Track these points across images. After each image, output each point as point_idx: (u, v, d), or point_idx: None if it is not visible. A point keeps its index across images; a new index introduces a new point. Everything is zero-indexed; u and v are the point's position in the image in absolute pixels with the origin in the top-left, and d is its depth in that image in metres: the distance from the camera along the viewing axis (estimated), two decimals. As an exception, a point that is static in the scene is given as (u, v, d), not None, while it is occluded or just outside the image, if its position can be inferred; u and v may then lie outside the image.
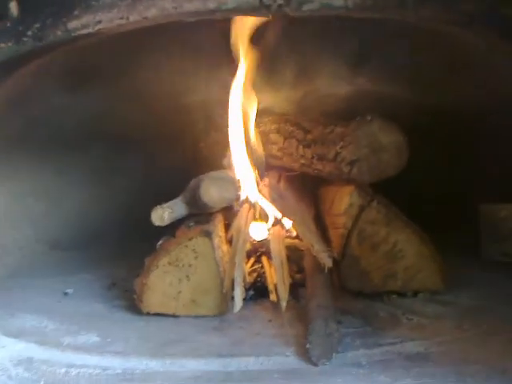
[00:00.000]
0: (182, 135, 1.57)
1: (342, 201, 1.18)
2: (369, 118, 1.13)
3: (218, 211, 1.26)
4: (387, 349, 0.88)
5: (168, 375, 0.83)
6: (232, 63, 1.26)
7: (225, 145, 1.36)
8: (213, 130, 1.48)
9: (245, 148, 1.32)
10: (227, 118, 1.34)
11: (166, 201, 1.22)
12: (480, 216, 1.40)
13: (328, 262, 1.06)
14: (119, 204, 1.89)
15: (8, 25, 0.72)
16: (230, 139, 1.33)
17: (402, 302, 1.13)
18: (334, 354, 0.85)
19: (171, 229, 1.24)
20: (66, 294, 1.39)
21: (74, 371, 0.87)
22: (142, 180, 1.86)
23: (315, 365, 0.83)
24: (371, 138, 1.13)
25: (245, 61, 1.27)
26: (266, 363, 0.85)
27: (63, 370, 0.88)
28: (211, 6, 0.76)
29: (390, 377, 0.76)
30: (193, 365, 0.86)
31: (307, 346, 0.86)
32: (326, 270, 1.11)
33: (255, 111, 1.34)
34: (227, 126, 1.33)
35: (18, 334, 1.06)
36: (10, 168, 1.44)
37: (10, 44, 0.74)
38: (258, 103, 1.33)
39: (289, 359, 0.87)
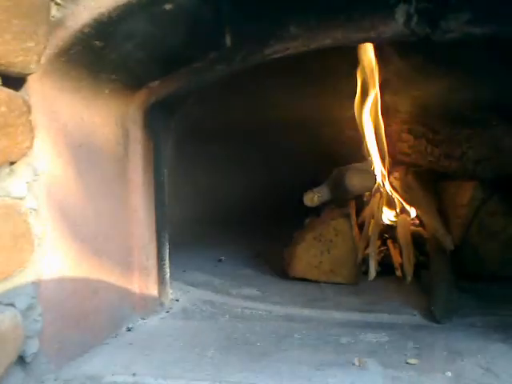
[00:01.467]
0: (320, 132, 1.82)
1: (465, 194, 1.35)
2: (494, 122, 1.29)
3: (351, 198, 1.49)
4: (500, 318, 1.05)
5: (320, 320, 1.07)
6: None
7: (357, 141, 1.58)
8: (347, 129, 1.68)
9: (375, 145, 1.53)
10: (360, 119, 1.55)
11: (300, 187, 1.48)
12: None
13: (450, 246, 1.26)
14: (254, 187, 2.19)
15: (223, 53, 1.00)
16: (364, 137, 1.54)
17: (516, 286, 1.27)
18: (453, 317, 1.05)
19: (295, 212, 1.49)
20: (220, 260, 1.70)
21: (247, 311, 1.15)
22: (280, 168, 2.14)
23: (438, 322, 1.03)
24: (495, 140, 1.29)
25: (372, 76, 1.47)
26: (397, 319, 1.07)
27: (239, 310, 1.16)
28: (373, 35, 0.98)
29: (503, 335, 0.94)
30: (338, 315, 1.10)
31: (432, 308, 1.06)
32: (448, 253, 1.30)
33: (381, 115, 1.54)
34: (360, 127, 1.54)
35: (195, 285, 1.37)
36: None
37: (223, 66, 1.02)
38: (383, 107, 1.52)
39: (415, 318, 1.08)
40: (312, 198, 1.37)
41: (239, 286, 1.35)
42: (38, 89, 0.77)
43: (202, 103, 1.57)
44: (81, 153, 0.89)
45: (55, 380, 0.80)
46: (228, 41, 0.98)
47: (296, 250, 1.35)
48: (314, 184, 1.48)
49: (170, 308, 1.17)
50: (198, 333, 1.02)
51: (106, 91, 0.94)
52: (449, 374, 0.79)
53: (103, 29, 0.77)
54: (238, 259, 1.67)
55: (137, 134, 1.05)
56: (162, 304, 1.15)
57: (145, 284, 1.10)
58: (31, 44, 0.67)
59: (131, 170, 1.04)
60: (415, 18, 0.93)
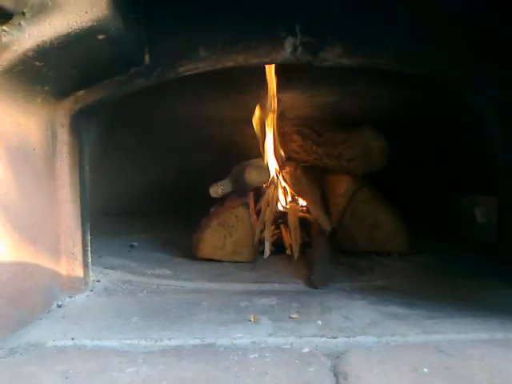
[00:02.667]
0: (226, 132, 2.05)
1: (341, 186, 1.65)
2: (364, 128, 1.59)
3: (250, 190, 1.74)
4: (363, 283, 1.35)
5: (224, 291, 1.30)
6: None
7: (256, 142, 1.84)
8: (247, 131, 1.92)
9: (270, 145, 1.79)
10: (258, 123, 1.80)
11: (202, 181, 1.70)
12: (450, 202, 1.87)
13: (328, 228, 1.55)
14: (163, 183, 2.37)
15: (142, 69, 1.18)
16: (261, 138, 1.79)
17: (379, 259, 1.59)
18: (328, 284, 1.33)
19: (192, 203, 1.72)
20: (132, 246, 1.87)
21: (162, 287, 1.35)
22: (185, 163, 2.33)
23: (316, 288, 1.30)
24: (364, 143, 1.59)
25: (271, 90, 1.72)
26: (285, 287, 1.33)
27: (155, 286, 1.35)
28: (267, 60, 1.21)
29: (362, 295, 1.24)
30: (239, 287, 1.34)
31: (312, 277, 1.34)
32: (327, 234, 1.59)
33: (276, 121, 1.80)
34: (258, 129, 1.79)
35: (112, 268, 1.54)
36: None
37: (142, 80, 1.19)
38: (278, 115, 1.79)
39: (299, 285, 1.34)
40: (217, 190, 1.59)
41: (153, 267, 1.54)
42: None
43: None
44: (18, 155, 1.03)
45: (1, 349, 0.95)
46: (147, 59, 1.17)
47: (203, 234, 1.57)
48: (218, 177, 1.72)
49: (94, 287, 1.33)
50: (121, 306, 1.20)
51: (39, 100, 1.08)
52: (319, 322, 1.05)
53: (44, 53, 0.92)
54: (150, 245, 1.86)
55: (64, 137, 1.20)
56: (86, 284, 1.31)
57: (72, 267, 1.25)
58: (-14, 68, 0.82)
59: (59, 168, 1.19)
60: (300, 49, 1.19)
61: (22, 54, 0.91)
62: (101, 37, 0.96)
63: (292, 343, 0.96)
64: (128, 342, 0.97)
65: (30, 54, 0.91)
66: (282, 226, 1.75)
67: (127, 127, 2.02)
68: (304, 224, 1.70)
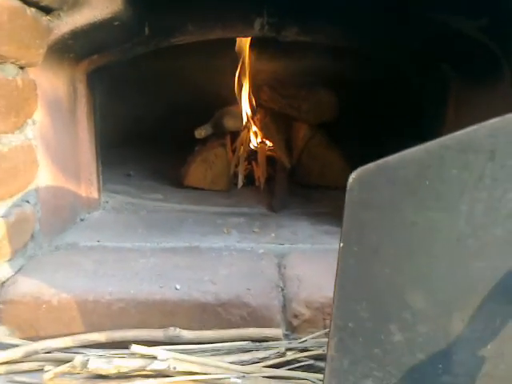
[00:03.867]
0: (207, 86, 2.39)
1: (300, 132, 2.04)
2: (318, 87, 1.96)
3: (227, 132, 2.11)
4: (311, 210, 1.78)
5: (205, 212, 1.71)
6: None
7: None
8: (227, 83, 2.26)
9: (245, 96, 2.15)
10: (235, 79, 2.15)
11: (191, 120, 2.07)
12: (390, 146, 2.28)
13: (288, 165, 1.95)
14: (154, 118, 2.70)
15: (143, 39, 1.51)
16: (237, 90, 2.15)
17: (328, 192, 2.00)
18: (285, 209, 1.75)
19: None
20: (128, 175, 2.26)
21: (158, 207, 1.76)
22: (176, 105, 2.66)
23: (275, 212, 1.73)
24: (318, 98, 1.96)
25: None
26: (251, 210, 1.75)
27: (152, 207, 1.77)
28: (240, 35, 1.56)
29: (308, 217, 1.66)
30: (216, 209, 1.75)
31: (272, 204, 1.76)
32: (288, 170, 2.00)
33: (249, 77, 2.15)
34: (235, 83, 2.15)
35: (116, 192, 1.93)
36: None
37: (143, 47, 1.52)
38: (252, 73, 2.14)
39: (263, 210, 1.76)
40: (200, 133, 1.97)
41: (148, 193, 1.94)
42: (31, 71, 1.25)
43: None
44: (53, 106, 1.38)
45: (49, 246, 1.35)
46: (147, 31, 1.51)
47: (189, 168, 1.96)
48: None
49: (105, 207, 1.73)
50: (128, 220, 1.61)
51: (65, 64, 1.42)
52: (273, 235, 1.48)
53: (75, 35, 1.26)
54: (143, 175, 2.23)
55: (82, 91, 1.54)
56: (99, 204, 1.71)
57: (89, 190, 1.64)
58: (42, 51, 1.16)
59: (79, 115, 1.55)
60: (266, 27, 1.53)
61: (60, 36, 1.25)
62: (116, 23, 1.29)
63: (252, 247, 1.39)
64: (137, 244, 1.39)
65: (65, 36, 1.25)
66: (252, 162, 2.14)
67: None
68: (270, 161, 2.10)
